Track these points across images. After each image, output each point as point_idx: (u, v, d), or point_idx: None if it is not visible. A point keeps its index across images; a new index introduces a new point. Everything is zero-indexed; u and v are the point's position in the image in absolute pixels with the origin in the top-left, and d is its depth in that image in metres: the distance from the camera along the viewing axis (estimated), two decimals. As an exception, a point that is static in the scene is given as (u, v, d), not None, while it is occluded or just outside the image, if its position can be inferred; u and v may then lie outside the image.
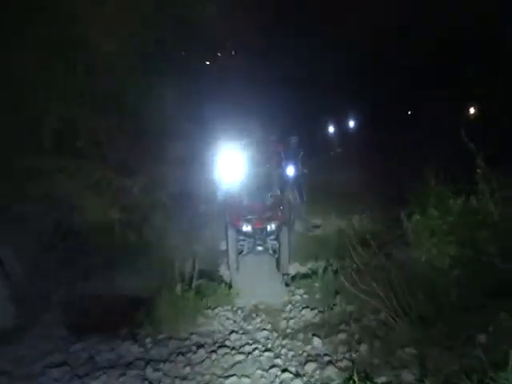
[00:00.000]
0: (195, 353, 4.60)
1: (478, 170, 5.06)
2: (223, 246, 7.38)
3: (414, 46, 16.59)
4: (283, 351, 4.60)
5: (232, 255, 6.64)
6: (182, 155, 7.86)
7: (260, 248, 6.86)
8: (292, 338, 4.84)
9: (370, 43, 17.37)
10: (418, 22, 16.00)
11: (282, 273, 6.60)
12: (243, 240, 7.09)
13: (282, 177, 8.87)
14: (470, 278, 4.58)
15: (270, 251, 6.93)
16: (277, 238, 6.84)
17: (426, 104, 16.31)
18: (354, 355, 4.27)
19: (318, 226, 8.99)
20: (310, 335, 4.80)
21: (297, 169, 9.28)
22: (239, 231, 6.76)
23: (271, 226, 6.73)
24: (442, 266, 4.94)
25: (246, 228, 6.74)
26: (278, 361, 4.43)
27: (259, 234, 6.78)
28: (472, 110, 18.34)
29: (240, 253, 6.89)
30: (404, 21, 16.11)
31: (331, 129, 21.62)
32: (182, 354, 4.57)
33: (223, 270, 6.91)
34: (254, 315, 5.52)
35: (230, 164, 7.84)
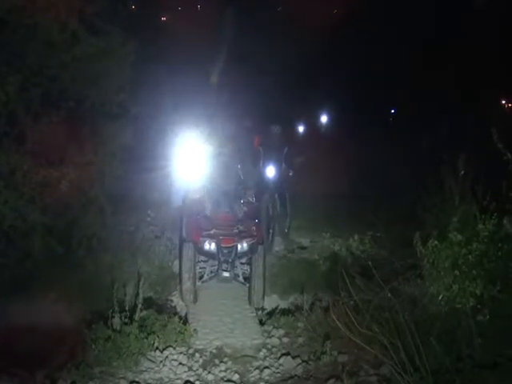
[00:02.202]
0: (137, 408, 4.62)
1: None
2: (177, 267, 7.40)
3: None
4: (254, 411, 4.67)
5: (186, 282, 6.59)
6: (127, 144, 7.85)
7: (226, 274, 6.73)
8: (266, 394, 4.90)
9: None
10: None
11: (256, 307, 6.66)
12: (204, 261, 7.06)
13: (260, 179, 8.93)
14: (499, 325, 4.74)
15: (240, 279, 6.92)
16: (249, 262, 6.85)
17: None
18: (346, 420, 4.36)
19: (304, 247, 9.09)
20: (289, 391, 4.86)
21: (279, 169, 9.37)
22: (199, 250, 6.73)
23: (242, 246, 6.69)
24: (464, 307, 5.06)
25: (209, 246, 6.67)
26: (247, 423, 4.50)
27: (226, 256, 6.68)
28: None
29: (200, 278, 6.86)
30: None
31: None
32: (119, 408, 4.59)
33: (177, 300, 6.94)
34: (216, 361, 5.54)
35: (189, 159, 7.85)
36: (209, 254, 6.79)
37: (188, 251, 6.68)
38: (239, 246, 6.67)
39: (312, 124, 22.93)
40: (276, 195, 9.29)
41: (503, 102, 22.40)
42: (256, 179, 8.54)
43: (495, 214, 5.33)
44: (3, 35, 6.42)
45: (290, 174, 9.57)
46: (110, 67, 7.69)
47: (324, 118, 23.95)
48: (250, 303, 6.78)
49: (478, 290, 5.07)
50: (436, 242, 5.53)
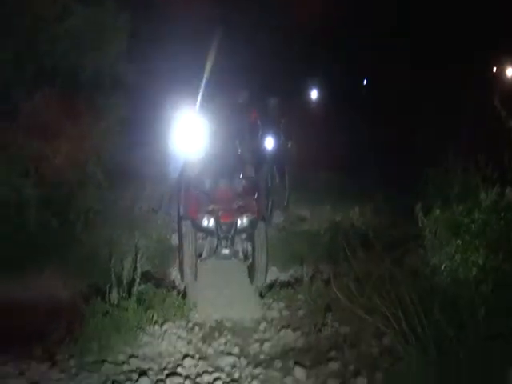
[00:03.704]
0: (136, 382, 4.58)
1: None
2: (176, 241, 7.34)
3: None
4: (254, 383, 4.65)
5: (187, 260, 6.45)
6: (123, 117, 7.77)
7: (226, 251, 6.59)
8: (267, 367, 4.89)
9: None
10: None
11: (258, 284, 6.59)
12: (203, 239, 6.95)
13: (258, 152, 8.85)
14: (502, 295, 4.70)
15: (240, 255, 6.84)
16: (250, 238, 6.75)
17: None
18: (348, 391, 4.34)
19: (304, 219, 9.05)
20: (290, 363, 4.84)
21: (278, 141, 9.30)
22: (198, 227, 6.58)
23: (242, 221, 6.56)
24: (467, 277, 5.03)
25: (207, 223, 6.54)
26: (248, 396, 4.49)
27: (225, 232, 6.54)
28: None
29: (199, 256, 6.72)
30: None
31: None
32: (119, 382, 4.54)
33: (175, 273, 6.91)
34: (216, 335, 5.54)
35: (187, 133, 7.77)
36: (207, 231, 6.65)
37: (187, 228, 6.54)
38: (239, 222, 6.54)
39: (304, 98, 22.80)
40: (275, 167, 9.23)
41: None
42: (254, 152, 8.45)
43: (497, 184, 5.28)
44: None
45: (289, 145, 9.51)
46: (103, 39, 7.59)
47: (314, 94, 23.66)
48: (251, 280, 6.71)
49: (480, 259, 5.03)
50: (438, 212, 5.49)
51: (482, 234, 5.17)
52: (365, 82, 26.42)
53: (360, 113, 17.70)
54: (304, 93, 22.79)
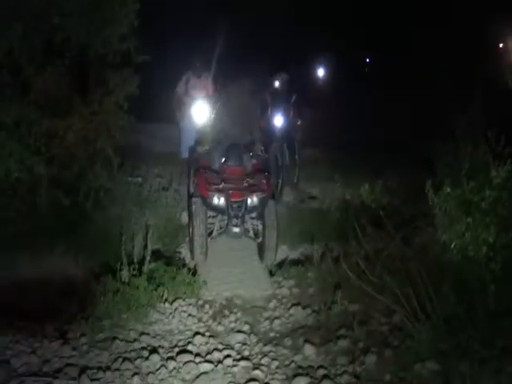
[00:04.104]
0: (147, 359, 4.61)
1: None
2: (186, 219, 7.35)
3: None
4: (264, 361, 4.66)
5: (198, 238, 6.42)
6: (133, 93, 7.74)
7: (236, 229, 6.49)
8: (276, 344, 4.91)
9: None
10: None
11: (268, 263, 6.60)
12: (213, 217, 6.94)
13: (268, 129, 8.81)
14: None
15: (250, 234, 6.84)
16: (260, 217, 6.76)
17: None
18: (357, 369, 4.33)
19: (314, 197, 9.03)
20: (300, 341, 4.86)
21: (288, 118, 9.26)
22: (208, 205, 6.52)
23: (253, 200, 6.50)
24: (477, 255, 5.01)
25: (218, 201, 6.46)
26: (258, 373, 4.48)
27: (236, 211, 6.46)
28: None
29: (209, 234, 6.71)
30: None
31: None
32: (129, 359, 4.57)
33: (186, 252, 6.93)
34: (226, 312, 5.56)
35: (197, 110, 7.75)
36: (218, 209, 6.59)
37: (197, 207, 6.53)
38: (249, 201, 6.47)
39: (312, 75, 22.71)
40: (284, 145, 9.18)
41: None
42: (264, 130, 8.43)
43: (509, 161, 5.23)
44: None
45: (299, 123, 9.45)
46: (113, 16, 7.53)
47: (321, 71, 23.47)
48: (261, 259, 6.71)
49: (490, 237, 5.01)
50: (448, 190, 5.45)
51: (493, 211, 5.15)
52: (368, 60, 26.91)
53: (365, 89, 17.63)
54: (312, 70, 22.65)
